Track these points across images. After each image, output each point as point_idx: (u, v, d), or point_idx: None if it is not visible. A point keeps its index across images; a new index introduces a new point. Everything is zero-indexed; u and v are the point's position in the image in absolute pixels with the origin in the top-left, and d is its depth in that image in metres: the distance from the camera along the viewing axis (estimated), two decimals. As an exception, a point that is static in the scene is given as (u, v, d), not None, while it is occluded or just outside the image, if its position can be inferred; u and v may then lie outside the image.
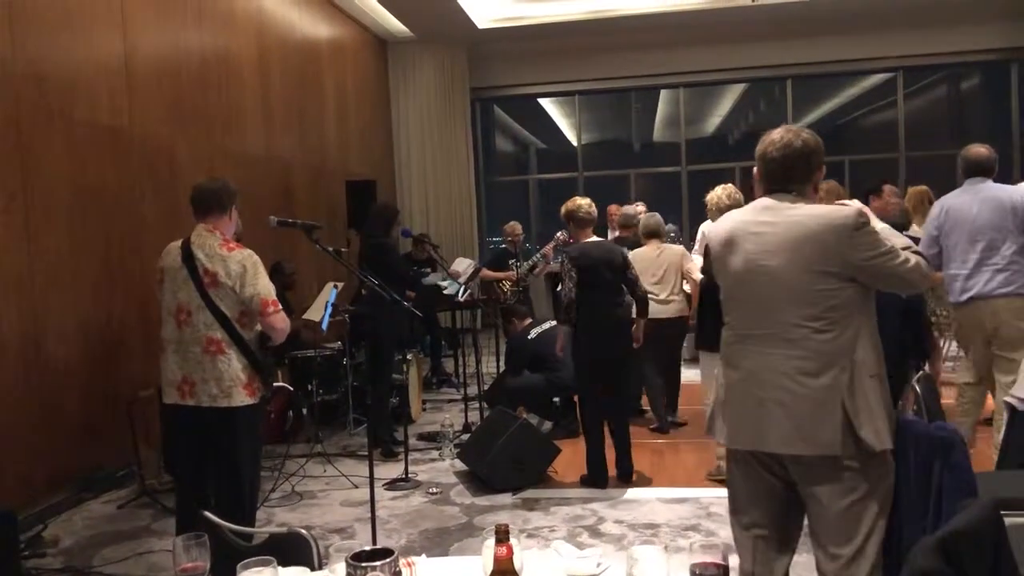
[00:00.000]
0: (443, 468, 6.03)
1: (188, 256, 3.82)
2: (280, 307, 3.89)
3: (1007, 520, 2.06)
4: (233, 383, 3.78)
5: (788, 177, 2.67)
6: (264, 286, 3.83)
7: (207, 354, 3.77)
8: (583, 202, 5.50)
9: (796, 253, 2.54)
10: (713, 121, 16.72)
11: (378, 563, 1.58)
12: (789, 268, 2.55)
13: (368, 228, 6.59)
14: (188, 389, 3.81)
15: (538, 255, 8.21)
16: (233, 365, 3.78)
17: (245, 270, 3.79)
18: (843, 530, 2.51)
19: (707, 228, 2.85)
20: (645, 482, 5.47)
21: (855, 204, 2.64)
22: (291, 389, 4.74)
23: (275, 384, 4.11)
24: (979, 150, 5.18)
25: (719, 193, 5.34)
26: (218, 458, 3.91)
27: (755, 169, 2.78)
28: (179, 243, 3.91)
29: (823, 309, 2.52)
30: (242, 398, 3.80)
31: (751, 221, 2.67)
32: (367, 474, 4.37)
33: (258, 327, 3.90)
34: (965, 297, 5.05)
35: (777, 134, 2.70)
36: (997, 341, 4.98)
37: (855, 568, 2.50)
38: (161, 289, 3.93)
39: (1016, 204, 4.96)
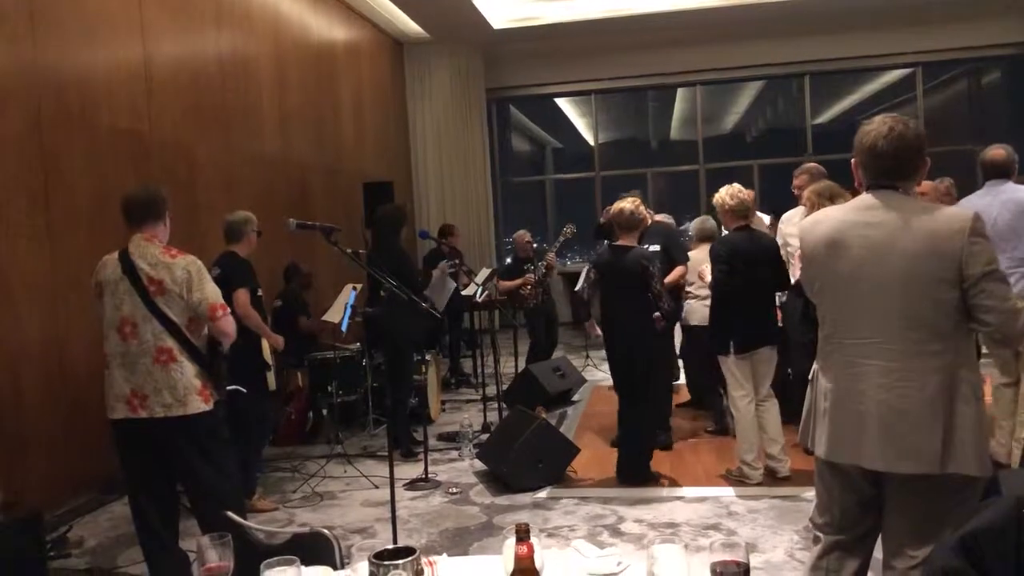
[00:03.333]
0: (463, 468, 6.04)
1: (128, 267, 3.72)
2: (228, 311, 3.84)
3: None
4: (188, 390, 3.71)
5: (900, 172, 2.50)
6: (211, 290, 3.76)
7: (158, 364, 3.69)
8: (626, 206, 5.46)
9: (910, 257, 2.39)
10: (731, 119, 16.66)
11: (400, 561, 1.58)
12: (901, 273, 2.41)
13: (379, 229, 6.58)
14: (139, 402, 3.70)
15: (543, 263, 8.23)
16: (186, 372, 3.72)
17: (190, 276, 3.72)
18: (923, 535, 2.42)
19: (803, 226, 2.66)
20: (666, 482, 5.46)
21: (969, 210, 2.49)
22: (243, 391, 4.67)
23: (228, 387, 4.01)
24: (997, 151, 5.15)
25: (723, 194, 5.33)
26: (182, 470, 3.82)
27: (853, 161, 2.60)
28: (115, 255, 3.79)
29: (932, 320, 2.39)
30: (198, 405, 3.73)
31: (858, 222, 2.49)
32: (387, 474, 4.38)
33: (206, 332, 3.84)
34: None
35: (886, 124, 2.49)
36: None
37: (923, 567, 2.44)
38: (100, 303, 3.82)
39: None
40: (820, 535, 2.71)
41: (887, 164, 2.49)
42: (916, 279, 2.39)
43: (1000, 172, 5.10)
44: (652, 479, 5.42)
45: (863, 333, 2.47)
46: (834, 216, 2.60)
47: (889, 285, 2.42)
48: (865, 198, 2.54)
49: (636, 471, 5.43)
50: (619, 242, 5.41)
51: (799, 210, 5.85)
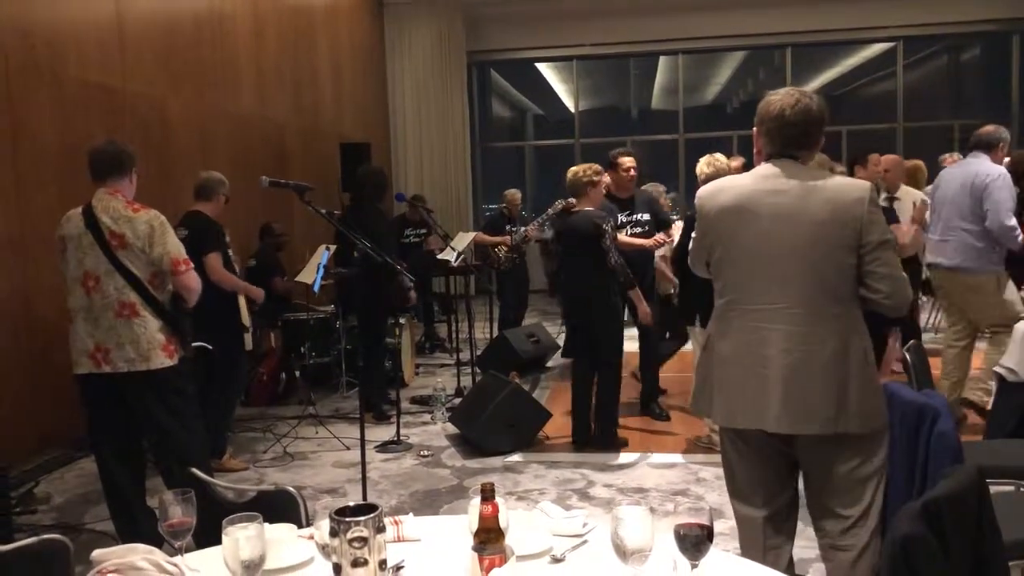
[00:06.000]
0: (435, 431, 6.05)
1: (91, 221, 3.68)
2: (192, 266, 3.82)
3: (991, 488, 2.08)
4: (151, 345, 3.70)
5: (802, 143, 2.54)
6: (173, 244, 3.74)
7: (121, 318, 3.67)
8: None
9: (816, 224, 2.44)
10: (712, 89, 16.63)
11: (361, 518, 1.58)
12: (806, 240, 2.44)
13: (361, 192, 6.51)
14: (102, 356, 3.70)
15: (523, 232, 8.20)
16: (149, 327, 3.70)
17: (153, 230, 3.69)
18: (850, 492, 2.49)
19: (702, 194, 2.68)
20: (635, 447, 5.50)
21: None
22: (209, 348, 4.66)
23: (194, 344, 3.99)
24: (987, 127, 5.40)
25: (701, 164, 5.24)
26: (147, 426, 3.83)
27: (755, 131, 2.63)
28: (79, 210, 3.76)
29: (834, 285, 2.45)
30: (161, 360, 3.72)
31: (764, 189, 2.52)
32: (359, 436, 4.38)
33: (170, 287, 3.82)
34: (929, 262, 5.58)
35: (791, 96, 2.53)
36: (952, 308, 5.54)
37: (860, 529, 2.50)
38: (63, 259, 3.78)
39: (976, 184, 5.16)
40: (743, 512, 2.69)
41: (792, 133, 2.53)
42: (821, 244, 2.44)
43: (979, 145, 5.38)
44: (621, 444, 5.47)
45: (767, 299, 2.50)
46: (738, 184, 2.60)
47: (797, 250, 2.46)
48: (767, 167, 2.57)
49: (609, 437, 5.47)
50: (576, 207, 5.36)
51: None
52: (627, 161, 5.95)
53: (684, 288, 5.36)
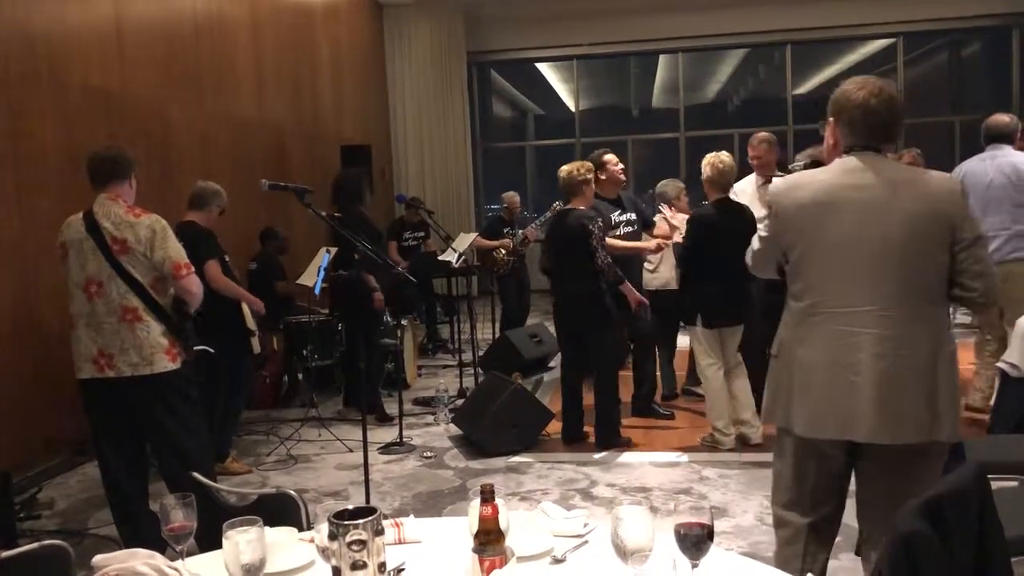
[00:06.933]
0: (438, 432, 6.05)
1: (92, 227, 3.69)
2: (193, 270, 3.82)
3: (993, 483, 2.08)
4: (155, 349, 3.70)
5: (886, 135, 2.41)
6: (175, 249, 3.75)
7: (124, 323, 3.68)
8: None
9: (909, 218, 2.32)
10: (713, 87, 16.61)
11: (360, 521, 1.57)
12: (899, 238, 2.32)
13: (339, 201, 6.35)
14: (106, 361, 3.70)
15: (522, 234, 8.20)
16: (153, 331, 3.71)
17: (155, 234, 3.69)
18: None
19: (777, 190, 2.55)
20: (639, 447, 5.49)
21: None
22: (211, 352, 4.67)
23: (196, 348, 3.99)
24: (1000, 118, 5.30)
25: (704, 163, 5.22)
26: (150, 430, 3.83)
27: (831, 121, 2.49)
28: (80, 215, 3.77)
29: (928, 284, 2.34)
30: (165, 364, 3.73)
31: (847, 184, 2.38)
32: (362, 438, 4.38)
33: (172, 291, 3.82)
34: None
35: (876, 84, 2.40)
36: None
37: None
38: (65, 264, 3.79)
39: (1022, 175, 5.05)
40: (789, 518, 2.62)
41: (876, 123, 2.40)
42: (915, 242, 2.33)
43: (999, 137, 5.27)
44: (624, 443, 5.46)
45: (857, 301, 2.36)
46: (818, 179, 2.45)
47: (890, 249, 2.33)
48: (849, 160, 2.43)
49: (609, 435, 5.46)
50: (569, 205, 5.40)
51: (750, 179, 5.81)
52: (614, 158, 5.91)
53: (686, 287, 5.34)
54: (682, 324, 5.37)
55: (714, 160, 5.19)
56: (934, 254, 2.34)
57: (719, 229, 5.07)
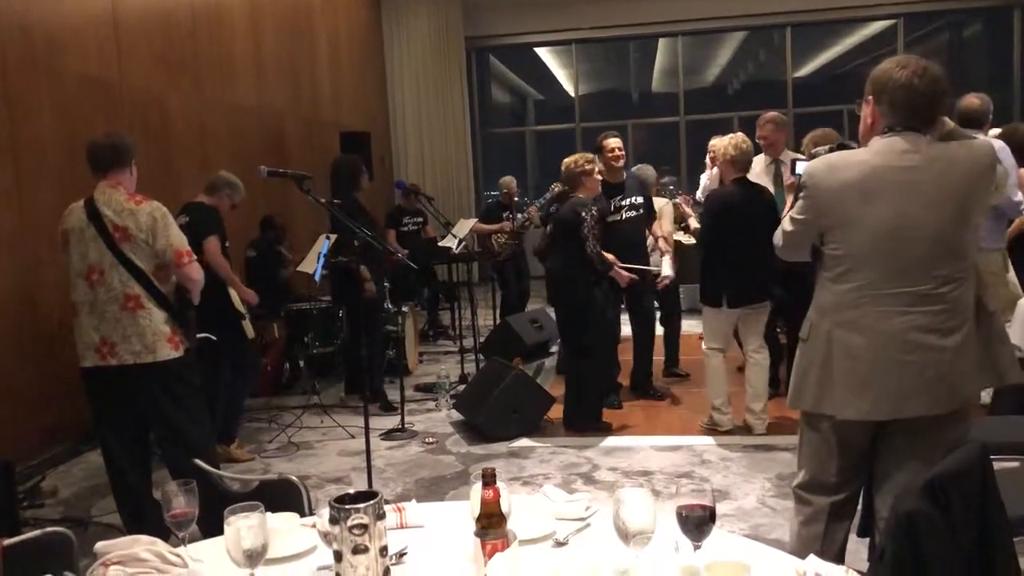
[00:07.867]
0: (439, 418, 6.06)
1: (94, 214, 3.68)
2: (195, 257, 3.82)
3: (996, 464, 2.07)
4: (157, 337, 3.70)
5: (930, 115, 2.35)
6: (176, 236, 3.74)
7: (126, 311, 3.67)
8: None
9: (955, 203, 2.30)
10: (713, 71, 16.54)
11: (361, 505, 1.57)
12: (951, 218, 2.31)
13: (335, 187, 6.36)
14: (108, 349, 3.70)
15: (525, 214, 8.17)
16: (155, 319, 3.71)
17: (156, 221, 3.68)
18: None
19: (815, 171, 2.47)
20: (640, 430, 5.49)
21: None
22: (213, 339, 4.66)
23: (198, 335, 3.99)
24: (971, 101, 5.14)
25: (726, 143, 5.16)
26: (153, 418, 3.83)
27: (869, 100, 2.43)
28: (81, 203, 3.76)
29: (965, 260, 2.34)
30: (167, 351, 3.72)
31: (892, 166, 2.32)
32: (363, 425, 4.38)
33: (174, 279, 3.82)
34: None
35: (918, 64, 2.34)
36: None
37: None
38: (66, 252, 3.78)
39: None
40: (809, 499, 2.61)
41: (920, 103, 2.34)
42: (965, 219, 2.34)
43: (970, 122, 5.10)
44: (604, 428, 5.48)
45: (908, 282, 2.33)
46: (860, 159, 2.38)
47: (943, 231, 2.31)
48: (892, 140, 2.35)
49: (583, 419, 5.49)
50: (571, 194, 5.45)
51: (759, 159, 5.72)
52: (612, 143, 5.87)
53: (708, 270, 5.28)
54: (703, 306, 5.32)
55: (737, 141, 5.16)
56: (971, 232, 2.38)
57: (739, 209, 5.06)
